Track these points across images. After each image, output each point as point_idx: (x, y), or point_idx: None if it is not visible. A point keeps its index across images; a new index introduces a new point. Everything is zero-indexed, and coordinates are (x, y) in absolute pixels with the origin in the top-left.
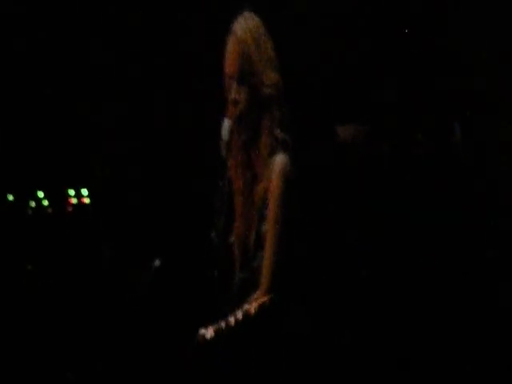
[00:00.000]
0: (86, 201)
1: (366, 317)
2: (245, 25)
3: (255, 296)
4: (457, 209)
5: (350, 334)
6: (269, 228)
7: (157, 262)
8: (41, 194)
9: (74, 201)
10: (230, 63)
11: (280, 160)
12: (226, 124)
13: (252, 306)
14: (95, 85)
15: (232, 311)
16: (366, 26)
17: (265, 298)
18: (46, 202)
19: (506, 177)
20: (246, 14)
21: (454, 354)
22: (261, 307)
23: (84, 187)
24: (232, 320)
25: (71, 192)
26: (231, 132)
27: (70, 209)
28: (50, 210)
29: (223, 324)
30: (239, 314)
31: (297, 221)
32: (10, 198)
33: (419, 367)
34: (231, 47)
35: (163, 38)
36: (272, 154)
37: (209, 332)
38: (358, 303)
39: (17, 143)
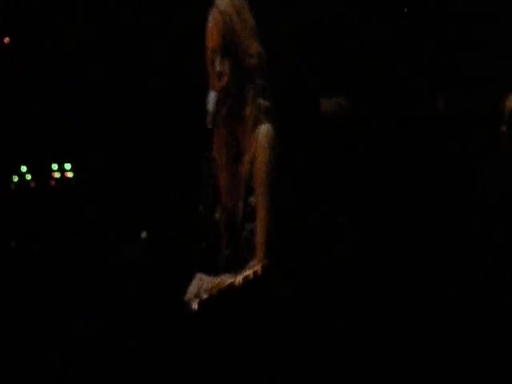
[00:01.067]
0: (70, 175)
1: (356, 291)
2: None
3: (251, 266)
4: (441, 185)
5: (340, 309)
6: (259, 198)
7: (143, 235)
8: (24, 169)
9: (57, 175)
10: (213, 37)
11: (265, 129)
12: (212, 96)
13: (244, 275)
14: (79, 63)
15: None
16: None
17: (257, 267)
18: (29, 177)
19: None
20: None
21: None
22: (253, 275)
23: (67, 162)
24: (224, 287)
25: (54, 166)
26: (217, 104)
27: (53, 183)
28: (32, 185)
29: (216, 291)
30: (235, 281)
31: (285, 188)
32: None
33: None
34: (213, 20)
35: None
36: (256, 124)
37: (196, 302)
38: (347, 276)
39: None
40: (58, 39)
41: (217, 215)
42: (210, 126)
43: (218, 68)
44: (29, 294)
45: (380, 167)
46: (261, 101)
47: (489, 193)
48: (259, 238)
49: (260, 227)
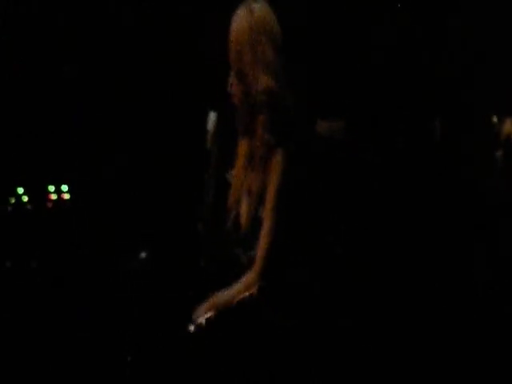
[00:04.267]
0: (67, 197)
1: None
2: (242, 15)
3: (247, 278)
4: (434, 202)
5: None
6: (266, 214)
7: (143, 255)
8: (20, 191)
9: (53, 197)
10: (230, 50)
11: (278, 157)
12: (212, 116)
13: (240, 297)
14: (75, 82)
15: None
16: (347, 29)
17: (253, 289)
18: (25, 199)
19: (484, 174)
20: (248, 2)
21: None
22: (249, 296)
23: (64, 183)
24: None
25: (51, 188)
26: (217, 124)
27: (49, 205)
28: (29, 206)
29: (211, 315)
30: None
31: (294, 210)
32: None
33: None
34: (230, 36)
35: (152, 25)
36: (264, 157)
37: (198, 321)
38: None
39: None
40: (56, 64)
41: (223, 230)
42: (208, 146)
43: (230, 83)
44: (23, 317)
45: (377, 191)
46: (267, 137)
47: (487, 215)
48: (259, 253)
49: (261, 245)
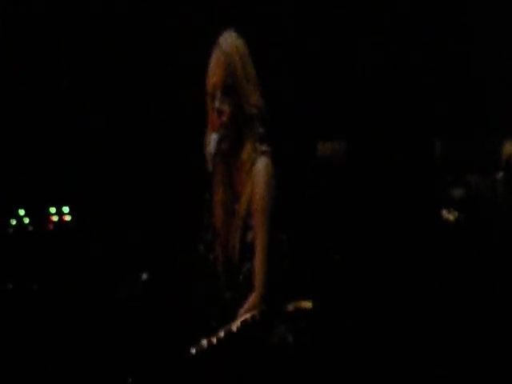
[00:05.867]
0: (68, 218)
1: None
2: (230, 40)
3: (248, 302)
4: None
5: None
6: (257, 234)
7: (144, 277)
8: (22, 212)
9: (55, 218)
10: (216, 73)
11: (262, 164)
12: (214, 137)
13: (241, 319)
14: (75, 103)
15: (220, 326)
16: (344, 49)
17: (254, 312)
18: (26, 220)
19: (484, 195)
20: (232, 31)
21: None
22: (251, 319)
23: (65, 205)
24: (222, 334)
25: (52, 210)
26: (217, 145)
27: (51, 226)
28: (30, 228)
29: (214, 338)
30: (233, 327)
31: (283, 222)
32: None
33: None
34: (216, 58)
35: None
36: (253, 165)
37: (199, 346)
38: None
39: None
40: (57, 87)
41: (213, 255)
42: (210, 169)
43: (217, 105)
44: (25, 341)
45: (375, 211)
46: (258, 145)
47: (488, 237)
48: (257, 275)
49: (258, 263)
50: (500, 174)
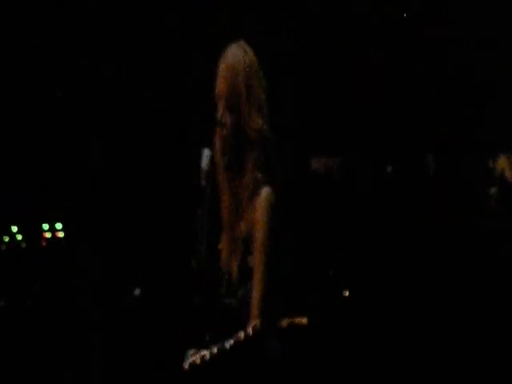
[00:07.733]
0: (60, 235)
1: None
2: (238, 54)
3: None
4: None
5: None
6: (256, 258)
7: (137, 292)
8: (14, 229)
9: (48, 235)
10: (219, 85)
11: (263, 195)
12: (206, 153)
13: (234, 337)
14: (70, 123)
15: (217, 339)
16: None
17: (248, 329)
18: (19, 237)
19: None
20: (242, 43)
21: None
22: (244, 337)
23: (58, 221)
24: (215, 350)
25: (45, 226)
26: (219, 152)
27: (43, 243)
28: (23, 245)
29: (208, 353)
30: (227, 344)
31: (283, 248)
32: None
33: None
34: (221, 70)
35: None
36: (255, 189)
37: (194, 360)
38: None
39: None
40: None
41: (215, 266)
42: (203, 183)
43: (219, 116)
44: (19, 356)
45: (370, 227)
46: (257, 174)
47: (481, 252)
48: (254, 299)
49: (256, 287)
50: (493, 189)
